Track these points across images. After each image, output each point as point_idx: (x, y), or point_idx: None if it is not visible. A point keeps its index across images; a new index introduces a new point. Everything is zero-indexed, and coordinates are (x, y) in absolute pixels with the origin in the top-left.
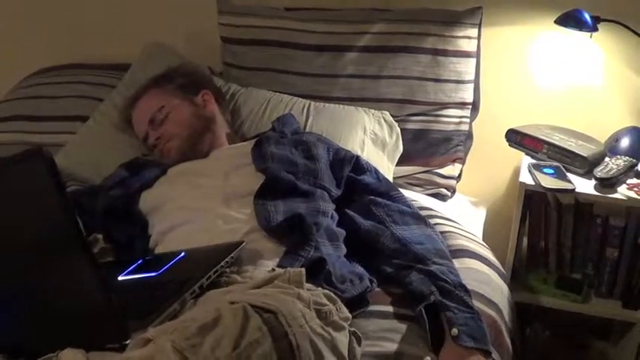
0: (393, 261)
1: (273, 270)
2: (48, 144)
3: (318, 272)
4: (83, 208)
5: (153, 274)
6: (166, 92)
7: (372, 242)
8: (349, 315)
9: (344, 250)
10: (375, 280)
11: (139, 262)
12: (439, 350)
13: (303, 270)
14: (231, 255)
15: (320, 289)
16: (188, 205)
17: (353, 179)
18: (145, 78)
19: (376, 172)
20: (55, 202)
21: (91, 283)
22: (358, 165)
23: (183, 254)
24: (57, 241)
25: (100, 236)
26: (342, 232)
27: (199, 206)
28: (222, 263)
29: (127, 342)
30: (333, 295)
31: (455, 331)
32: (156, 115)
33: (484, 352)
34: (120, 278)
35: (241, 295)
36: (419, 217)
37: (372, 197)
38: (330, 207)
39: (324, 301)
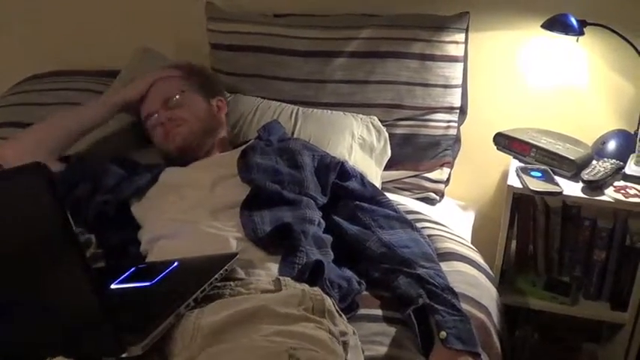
0: (380, 265)
1: (278, 280)
2: None
3: (317, 277)
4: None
5: (146, 283)
6: (189, 81)
7: (358, 247)
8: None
9: (331, 255)
10: (363, 283)
11: (132, 270)
12: (429, 353)
13: (328, 299)
14: (225, 267)
15: (342, 315)
16: (176, 217)
17: (339, 185)
18: None
19: (362, 177)
20: (53, 215)
21: (87, 295)
22: (343, 171)
23: (176, 264)
24: (54, 252)
25: (93, 237)
26: (329, 238)
27: (187, 218)
28: (216, 276)
29: (124, 355)
30: (343, 316)
31: (443, 334)
32: (174, 97)
33: (473, 354)
34: (113, 286)
35: (284, 338)
36: (405, 221)
37: (358, 203)
38: (316, 214)
39: (345, 328)
